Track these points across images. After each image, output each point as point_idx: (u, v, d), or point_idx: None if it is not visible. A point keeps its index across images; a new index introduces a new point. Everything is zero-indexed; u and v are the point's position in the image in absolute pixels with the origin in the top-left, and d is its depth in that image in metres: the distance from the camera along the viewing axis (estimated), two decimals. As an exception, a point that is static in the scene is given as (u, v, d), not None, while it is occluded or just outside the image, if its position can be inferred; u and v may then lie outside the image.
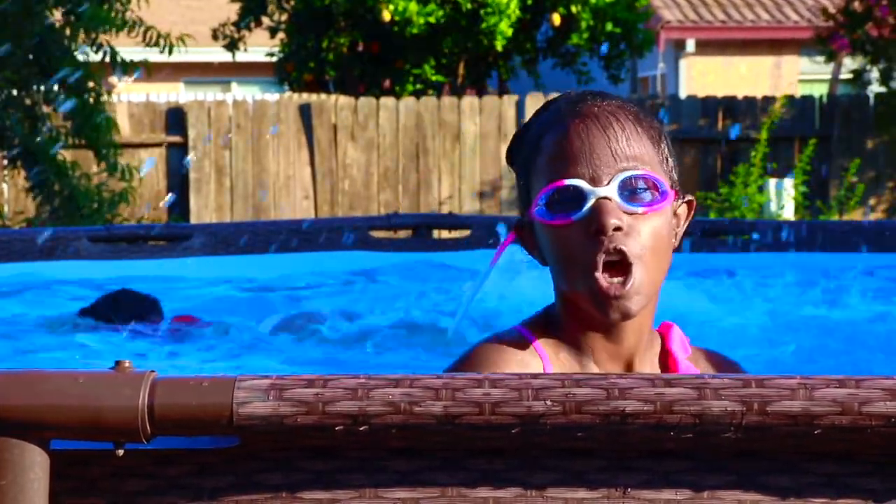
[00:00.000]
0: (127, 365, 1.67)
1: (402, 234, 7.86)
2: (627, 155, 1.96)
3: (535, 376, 1.63)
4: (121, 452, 1.66)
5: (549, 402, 1.61)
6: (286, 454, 1.71)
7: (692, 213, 2.06)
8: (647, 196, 1.95)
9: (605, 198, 1.93)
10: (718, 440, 1.62)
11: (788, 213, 12.65)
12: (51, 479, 1.67)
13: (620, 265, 1.92)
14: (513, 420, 1.61)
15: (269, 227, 7.65)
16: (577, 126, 1.97)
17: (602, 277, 1.92)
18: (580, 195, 1.94)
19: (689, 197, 2.06)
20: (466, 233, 7.44)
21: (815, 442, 1.62)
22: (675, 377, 1.63)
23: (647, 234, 1.94)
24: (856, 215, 14.43)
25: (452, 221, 8.06)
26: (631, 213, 1.94)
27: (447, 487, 1.70)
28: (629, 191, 1.95)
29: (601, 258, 1.92)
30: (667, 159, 2.01)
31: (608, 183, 1.94)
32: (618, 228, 1.92)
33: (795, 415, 1.60)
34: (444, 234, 8.10)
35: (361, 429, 1.62)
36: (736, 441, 1.62)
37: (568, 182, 1.95)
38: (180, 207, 14.86)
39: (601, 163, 1.95)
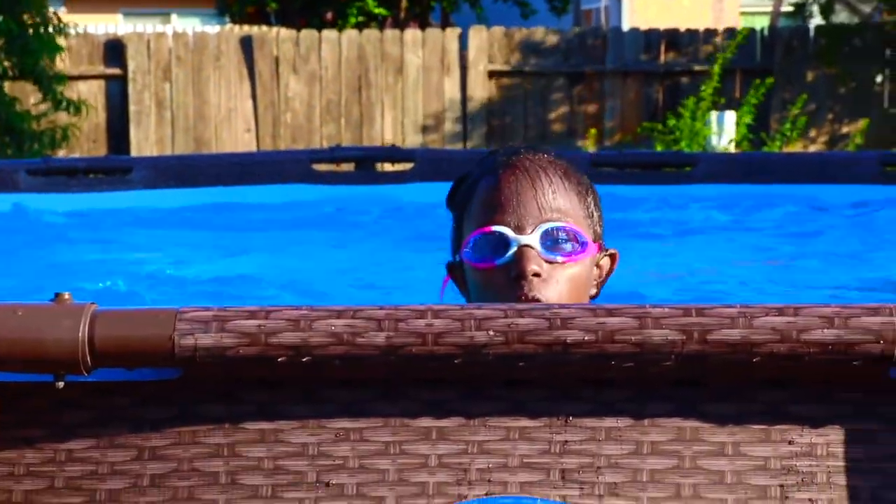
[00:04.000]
0: (66, 297, 1.66)
1: (345, 167, 7.83)
2: (552, 207, 2.11)
3: (477, 307, 1.63)
4: (61, 385, 1.65)
5: (491, 333, 1.61)
6: (229, 386, 1.71)
7: (615, 264, 2.23)
8: (568, 247, 2.10)
9: (528, 245, 2.08)
10: (659, 369, 1.63)
11: (731, 146, 12.69)
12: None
13: None
14: (455, 350, 1.62)
15: (211, 160, 7.60)
16: (509, 177, 2.13)
17: None
18: (504, 241, 2.09)
19: (611, 250, 2.21)
20: (409, 166, 7.43)
21: (755, 369, 1.64)
22: (617, 307, 1.64)
23: (565, 282, 2.09)
24: (797, 147, 14.51)
25: (395, 154, 8.03)
26: (551, 262, 2.08)
27: (390, 418, 1.70)
28: (551, 240, 2.09)
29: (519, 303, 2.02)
30: (592, 213, 2.18)
31: (531, 232, 2.09)
32: (536, 275, 2.06)
33: (735, 343, 1.61)
34: (388, 167, 8.08)
35: (304, 360, 1.62)
36: (676, 369, 1.64)
37: (494, 228, 2.10)
38: (121, 140, 14.75)
39: (526, 212, 2.10)
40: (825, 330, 1.61)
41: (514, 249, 2.07)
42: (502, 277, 2.07)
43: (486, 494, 1.67)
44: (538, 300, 2.04)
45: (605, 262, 2.21)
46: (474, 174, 2.20)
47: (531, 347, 1.62)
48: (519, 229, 2.09)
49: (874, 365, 1.62)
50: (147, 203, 6.90)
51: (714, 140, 12.68)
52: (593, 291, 2.18)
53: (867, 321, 1.61)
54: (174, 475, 1.70)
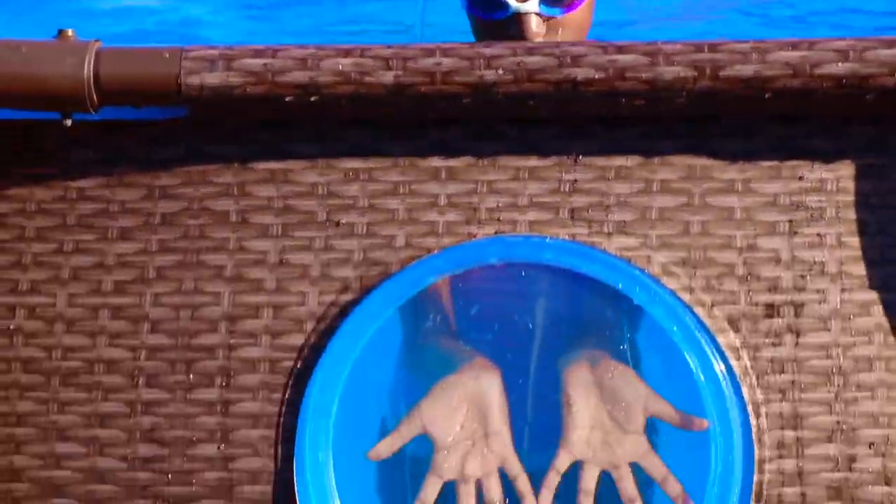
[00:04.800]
0: (70, 34, 1.64)
1: None
2: None
3: (487, 45, 1.61)
4: (69, 123, 1.65)
5: (500, 71, 1.60)
6: (238, 125, 1.70)
7: None
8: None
9: (526, 13, 2.05)
10: (670, 106, 1.62)
11: None
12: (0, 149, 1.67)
13: None
14: (464, 89, 1.60)
15: None
16: None
17: None
18: (502, 4, 2.06)
19: None
20: None
21: (767, 105, 1.62)
22: (628, 44, 1.61)
23: (568, 30, 2.08)
24: None
25: None
26: (551, 18, 2.07)
27: (399, 157, 1.70)
28: None
29: None
30: None
31: None
32: (538, 35, 2.05)
33: (747, 78, 1.59)
34: None
35: (312, 99, 1.61)
36: (688, 106, 1.62)
37: None
38: None
39: None
40: (839, 64, 1.59)
41: (511, 12, 2.05)
42: (503, 30, 2.06)
43: (496, 233, 1.68)
44: None
45: None
46: None
47: (540, 86, 1.60)
48: None
49: (888, 98, 1.60)
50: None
51: None
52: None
53: (882, 54, 1.59)
54: (185, 213, 1.71)
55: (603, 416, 1.63)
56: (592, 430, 1.63)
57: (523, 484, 1.61)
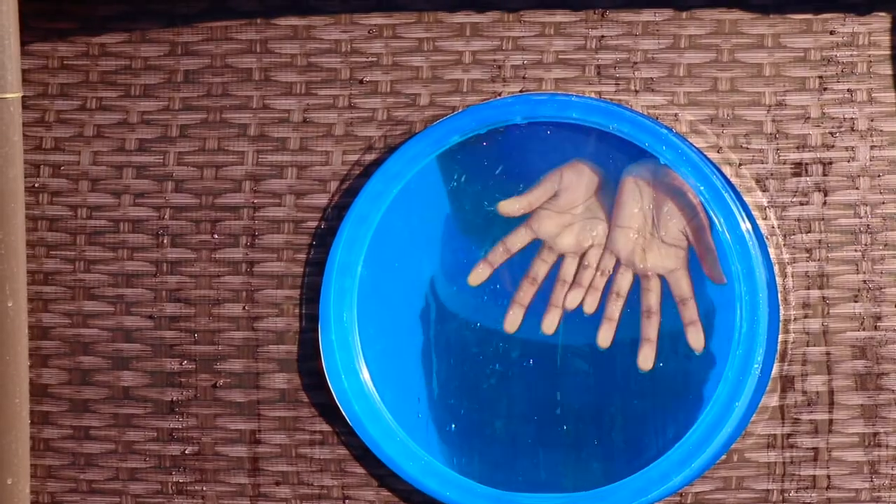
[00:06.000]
0: None
1: None
2: None
3: None
4: None
5: None
6: (259, -21, 1.68)
7: None
8: None
9: None
10: None
11: None
12: (20, 2, 1.64)
13: None
14: None
15: None
16: None
17: None
18: None
19: None
20: None
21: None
22: None
23: None
24: None
25: None
26: None
27: (424, 13, 1.68)
28: None
29: None
30: None
31: None
32: None
33: None
34: None
35: None
36: None
37: None
38: None
39: None
40: None
41: None
42: None
43: (521, 91, 1.66)
44: None
45: None
46: None
47: (568, -62, 1.58)
48: None
49: None
50: None
51: None
52: None
53: None
54: (207, 71, 1.69)
55: (648, 222, 1.64)
56: (635, 233, 1.64)
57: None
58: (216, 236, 1.68)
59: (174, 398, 1.69)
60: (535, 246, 1.67)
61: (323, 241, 1.67)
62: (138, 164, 1.69)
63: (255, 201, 1.68)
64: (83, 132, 1.70)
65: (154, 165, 1.69)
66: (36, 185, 1.70)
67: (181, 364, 1.68)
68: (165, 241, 1.69)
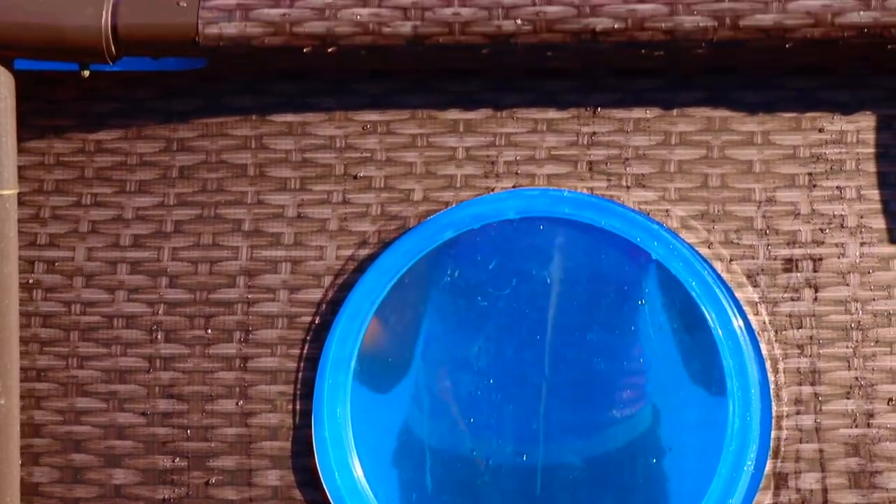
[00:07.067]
0: None
1: None
2: None
3: None
4: (86, 74, 1.65)
5: (519, 21, 1.59)
6: (255, 77, 1.69)
7: None
8: None
9: None
10: (690, 56, 1.61)
11: None
12: (17, 100, 1.66)
13: None
14: (483, 40, 1.59)
15: None
16: None
17: None
18: None
19: None
20: None
21: (787, 56, 1.61)
22: (648, -6, 1.60)
23: None
24: None
25: None
26: None
27: (417, 110, 1.69)
28: None
29: None
30: None
31: None
32: None
33: (768, 28, 1.58)
34: None
35: (330, 50, 1.60)
36: (708, 57, 1.61)
37: None
38: None
39: None
40: (861, 12, 1.57)
41: None
42: None
43: (514, 187, 1.68)
44: None
45: None
46: None
47: (559, 36, 1.59)
48: None
49: None
50: None
51: None
52: None
53: None
54: (203, 167, 1.70)
55: None
56: None
57: None
58: (210, 331, 1.68)
59: (166, 496, 1.68)
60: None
61: (317, 335, 1.67)
62: (133, 259, 1.70)
63: (249, 296, 1.68)
64: (78, 228, 1.71)
65: (148, 261, 1.70)
66: (30, 280, 1.70)
67: (174, 461, 1.68)
68: (159, 336, 1.69)
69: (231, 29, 1.60)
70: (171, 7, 1.61)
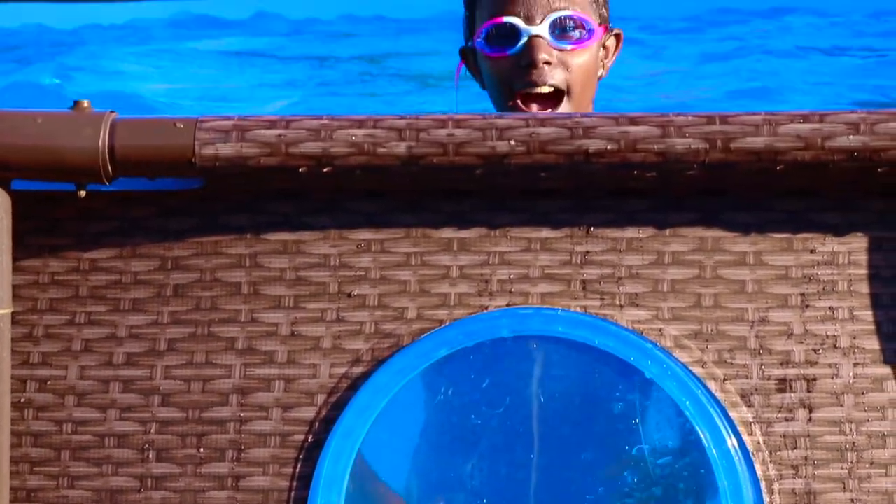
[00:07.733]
0: (85, 105, 1.65)
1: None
2: None
3: (499, 116, 1.62)
4: (83, 194, 1.66)
5: (512, 143, 1.60)
6: (251, 196, 1.71)
7: (620, 44, 2.39)
8: (576, 34, 2.26)
9: (538, 35, 2.23)
10: (682, 178, 1.62)
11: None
12: (14, 219, 1.67)
13: (549, 97, 2.23)
14: (477, 160, 1.61)
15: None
16: None
17: (531, 108, 2.22)
18: (515, 32, 2.24)
19: (616, 30, 2.37)
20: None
21: (778, 178, 1.62)
22: (640, 115, 1.62)
23: (574, 68, 2.25)
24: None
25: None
26: (560, 50, 2.24)
27: (412, 228, 1.70)
28: (559, 29, 2.25)
29: (530, 89, 2.22)
30: None
31: (540, 22, 2.24)
32: (547, 63, 2.23)
33: (759, 151, 1.60)
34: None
35: (325, 170, 1.62)
36: (699, 178, 1.62)
37: (506, 19, 2.24)
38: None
39: (536, 4, 2.25)
40: (851, 136, 1.59)
41: (524, 39, 2.23)
42: (514, 65, 2.23)
43: (508, 305, 1.68)
44: (551, 84, 2.22)
45: (612, 42, 2.37)
46: None
47: (553, 157, 1.61)
48: (529, 20, 2.24)
49: None
50: None
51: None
52: (601, 73, 2.35)
53: (894, 126, 1.59)
54: (197, 285, 1.71)
55: None
56: None
57: None
58: (202, 450, 1.67)
59: None
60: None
61: (310, 454, 1.66)
62: (125, 377, 1.70)
63: (242, 415, 1.68)
64: (71, 346, 1.71)
65: (141, 379, 1.69)
66: (21, 400, 1.70)
67: None
68: (150, 455, 1.68)
69: (227, 150, 1.61)
70: (169, 128, 1.63)
